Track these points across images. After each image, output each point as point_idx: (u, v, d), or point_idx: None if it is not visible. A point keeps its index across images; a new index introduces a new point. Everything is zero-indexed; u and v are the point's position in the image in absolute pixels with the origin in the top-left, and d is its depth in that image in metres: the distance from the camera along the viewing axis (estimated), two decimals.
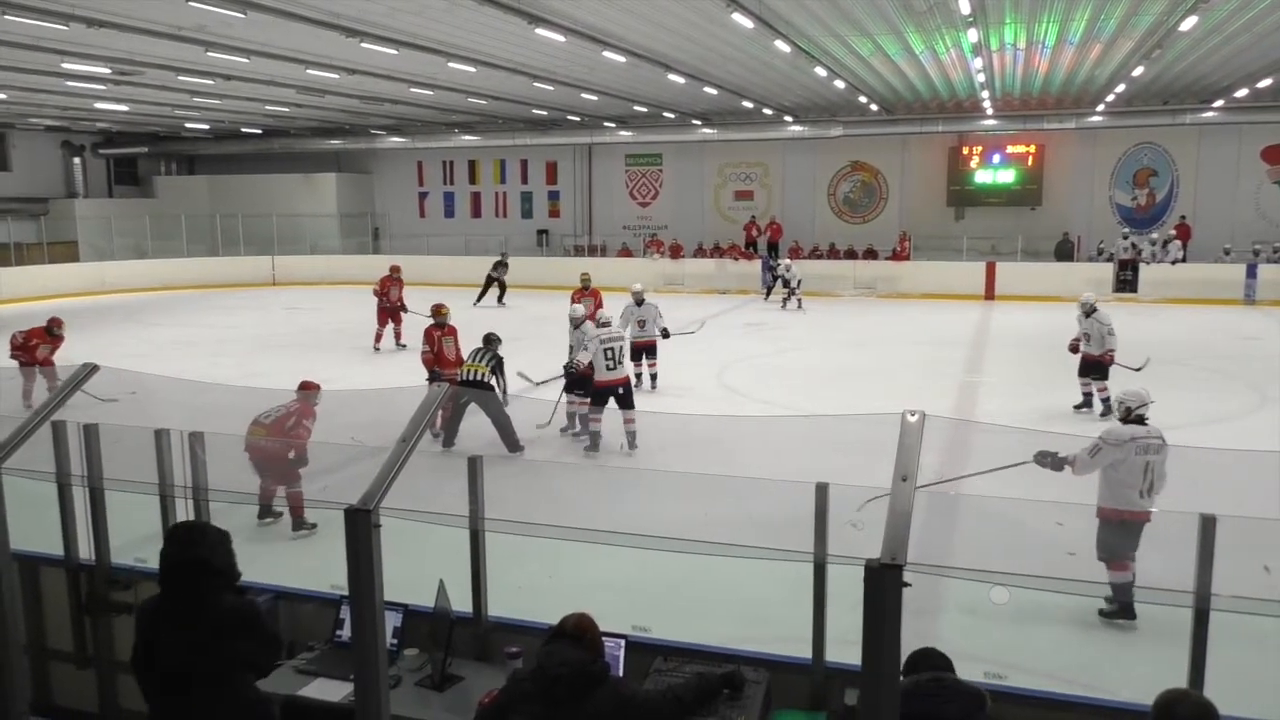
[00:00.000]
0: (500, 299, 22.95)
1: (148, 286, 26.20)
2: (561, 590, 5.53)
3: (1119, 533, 5.75)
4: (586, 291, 14.14)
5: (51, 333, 12.51)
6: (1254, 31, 15.42)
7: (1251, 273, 22.02)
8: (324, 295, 25.63)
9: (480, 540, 3.99)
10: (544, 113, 26.23)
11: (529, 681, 3.03)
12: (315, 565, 4.27)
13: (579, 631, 3.09)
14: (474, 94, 22.26)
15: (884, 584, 2.50)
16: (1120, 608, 5.59)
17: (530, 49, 16.42)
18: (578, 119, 27.81)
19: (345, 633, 3.94)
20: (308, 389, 8.02)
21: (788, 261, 22.92)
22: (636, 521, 3.74)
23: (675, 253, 27.24)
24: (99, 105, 23.98)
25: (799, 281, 21.72)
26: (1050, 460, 5.93)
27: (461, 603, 3.96)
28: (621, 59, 16.92)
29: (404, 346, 16.05)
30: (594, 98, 22.71)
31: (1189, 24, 14.03)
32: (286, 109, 25.10)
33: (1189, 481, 8.59)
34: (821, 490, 3.54)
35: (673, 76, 19.09)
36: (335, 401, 10.72)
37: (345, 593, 3.19)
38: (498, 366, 9.77)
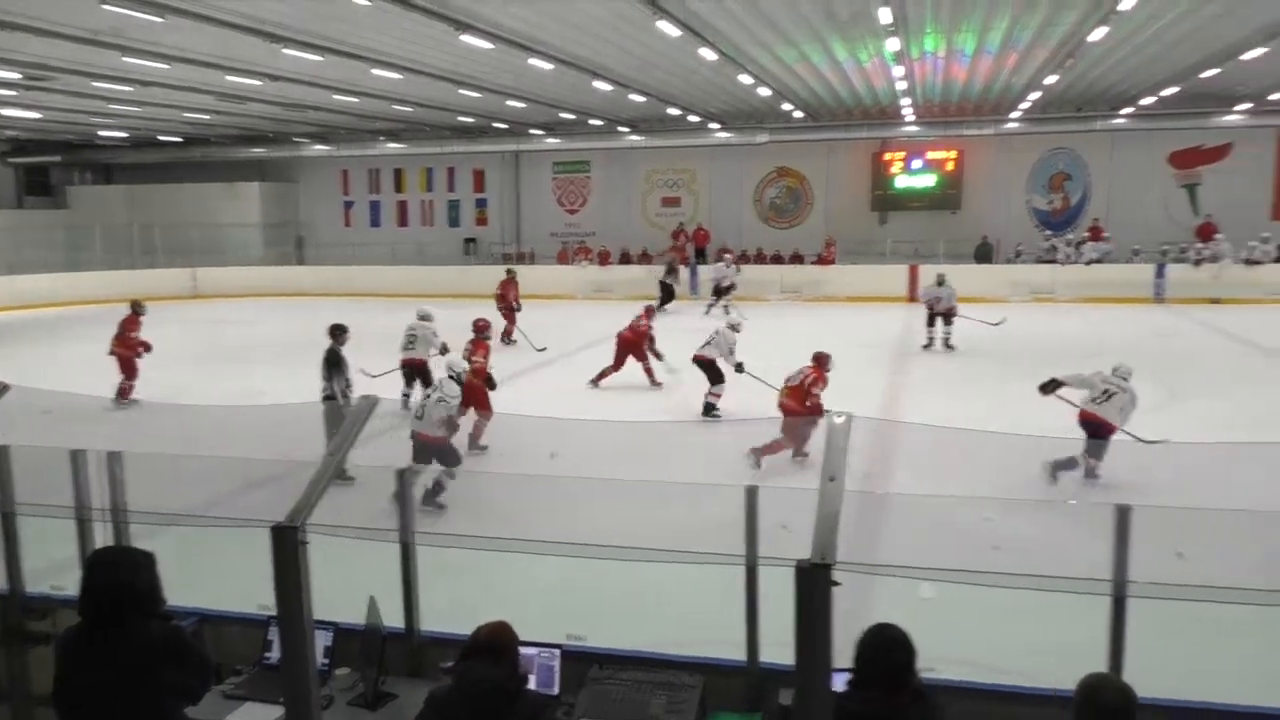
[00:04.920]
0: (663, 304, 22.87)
1: (62, 301, 25.34)
2: (495, 601, 5.47)
3: None
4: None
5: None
6: (1162, 42, 16.03)
7: (1160, 272, 22.83)
8: (249, 307, 25.08)
9: (411, 554, 3.94)
10: (470, 120, 26.05)
11: (447, 701, 3.00)
12: (240, 586, 4.17)
13: (493, 642, 3.05)
14: (399, 101, 22.04)
15: (814, 583, 2.54)
16: None
17: (456, 55, 16.31)
18: (504, 126, 27.69)
19: (274, 654, 3.86)
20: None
21: (727, 263, 22.90)
22: (569, 530, 3.74)
23: (603, 260, 27.24)
24: (7, 112, 23.17)
25: (730, 285, 21.92)
26: None
27: (395, 619, 3.91)
28: (548, 66, 16.90)
29: (513, 342, 17.19)
30: (520, 105, 22.65)
31: (1099, 34, 14.54)
32: (207, 116, 24.56)
33: (1107, 473, 8.89)
34: (751, 493, 3.57)
35: (599, 83, 19.13)
36: (261, 416, 10.50)
37: (273, 613, 3.12)
38: (331, 369, 9.47)
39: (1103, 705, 2.71)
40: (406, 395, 11.93)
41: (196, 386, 13.45)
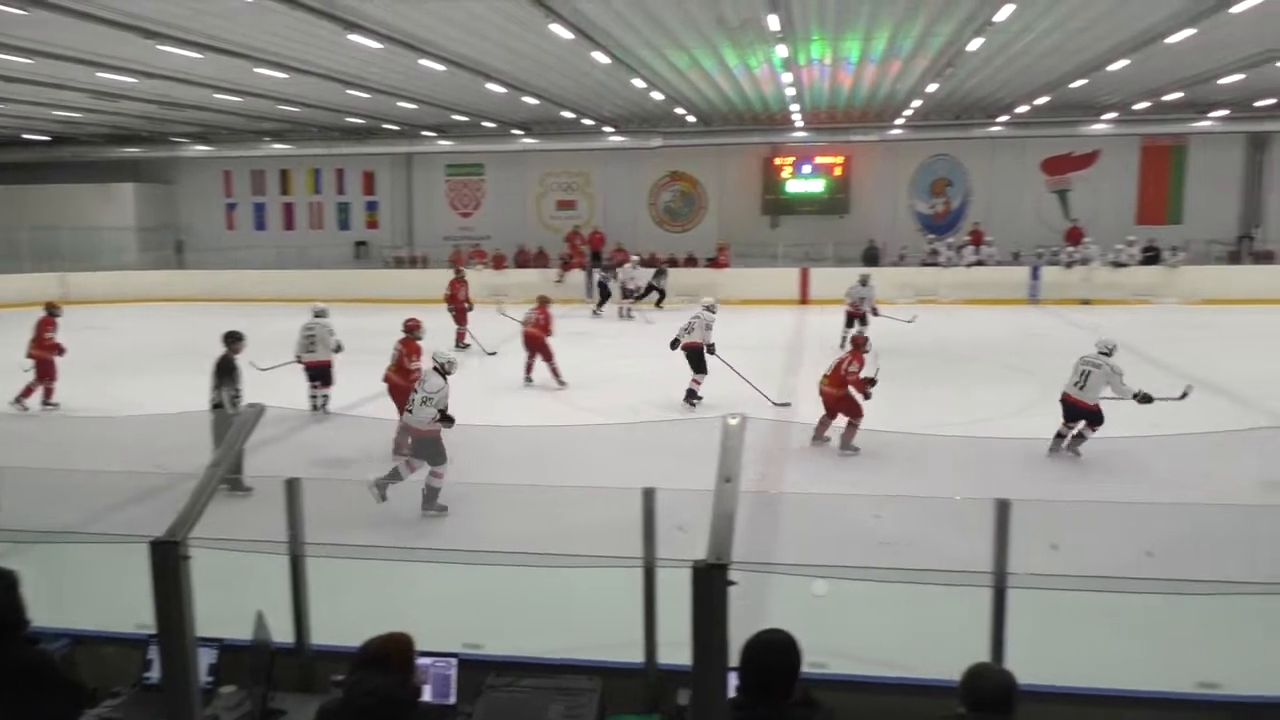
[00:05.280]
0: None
1: None
2: (390, 612, 5.37)
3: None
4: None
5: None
6: (1033, 53, 16.76)
7: (1035, 274, 23.86)
8: (125, 313, 24.02)
9: (301, 566, 3.84)
10: (360, 121, 25.51)
11: (337, 714, 2.93)
12: (118, 604, 3.99)
13: (385, 653, 2.99)
14: (284, 101, 21.42)
15: (710, 583, 2.56)
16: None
17: (343, 55, 15.95)
18: (395, 128, 27.21)
19: (154, 674, 3.71)
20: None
21: (633, 264, 23.06)
22: (468, 537, 3.70)
23: (498, 263, 27.02)
24: None
25: (637, 288, 22.11)
26: None
27: (286, 634, 3.80)
28: (439, 67, 16.68)
29: (465, 346, 16.65)
30: (412, 106, 22.28)
31: (975, 45, 15.12)
32: (77, 114, 23.41)
33: (985, 468, 9.24)
34: (648, 495, 3.59)
35: (491, 85, 18.97)
36: (140, 426, 10.08)
37: (152, 632, 3.00)
38: (221, 378, 9.09)
39: (985, 693, 2.81)
40: (314, 397, 11.99)
41: (72, 397, 12.84)
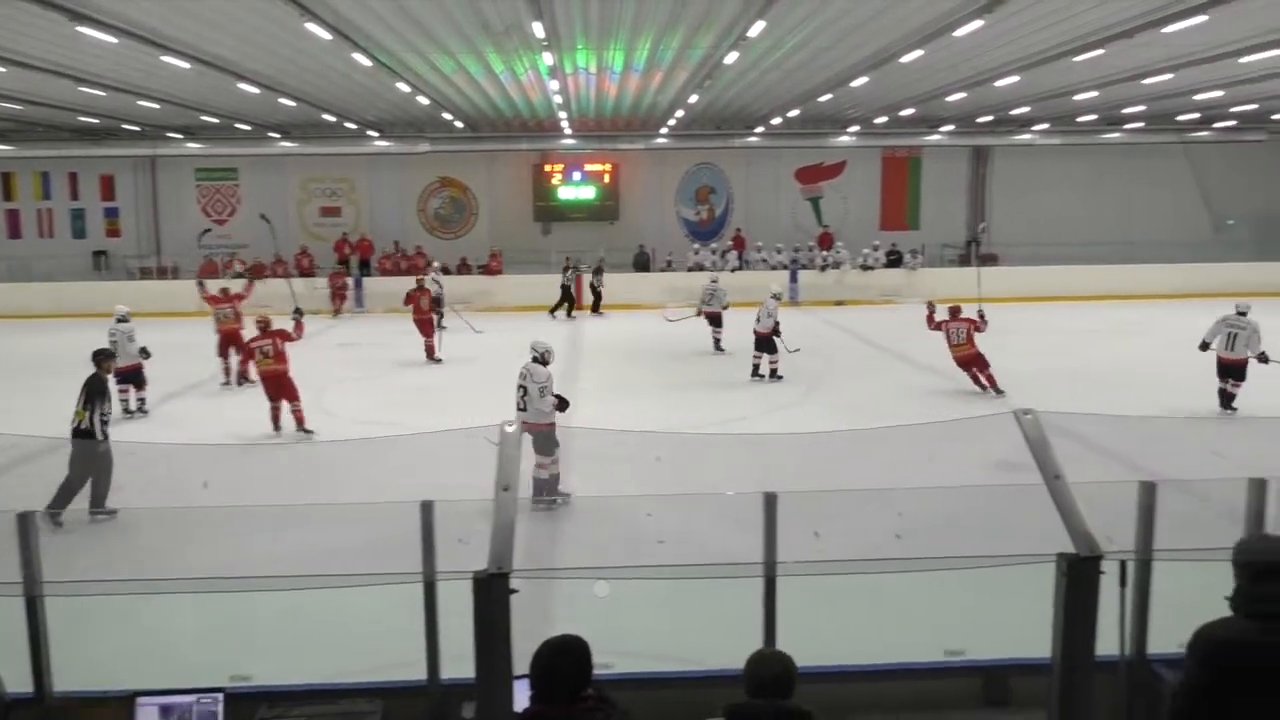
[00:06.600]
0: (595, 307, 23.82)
1: None
2: (147, 648, 4.99)
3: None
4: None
5: None
6: (783, 69, 17.75)
7: (794, 278, 25.28)
8: None
9: (38, 608, 3.49)
10: (95, 121, 23.47)
11: None
12: None
13: None
14: (4, 97, 19.39)
15: (492, 593, 2.55)
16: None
17: (73, 49, 14.62)
18: (137, 129, 25.25)
19: None
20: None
21: (436, 271, 22.32)
22: (229, 563, 3.49)
23: (258, 273, 25.57)
24: None
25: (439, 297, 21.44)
26: None
27: (23, 682, 3.45)
28: (184, 65, 15.60)
29: (439, 361, 16.56)
30: (155, 106, 20.74)
31: (731, 58, 15.85)
32: None
33: (756, 463, 9.68)
34: (426, 508, 3.52)
35: (244, 86, 17.98)
36: None
37: None
38: (92, 399, 8.32)
39: (766, 678, 2.94)
40: (124, 401, 12.39)
41: None
